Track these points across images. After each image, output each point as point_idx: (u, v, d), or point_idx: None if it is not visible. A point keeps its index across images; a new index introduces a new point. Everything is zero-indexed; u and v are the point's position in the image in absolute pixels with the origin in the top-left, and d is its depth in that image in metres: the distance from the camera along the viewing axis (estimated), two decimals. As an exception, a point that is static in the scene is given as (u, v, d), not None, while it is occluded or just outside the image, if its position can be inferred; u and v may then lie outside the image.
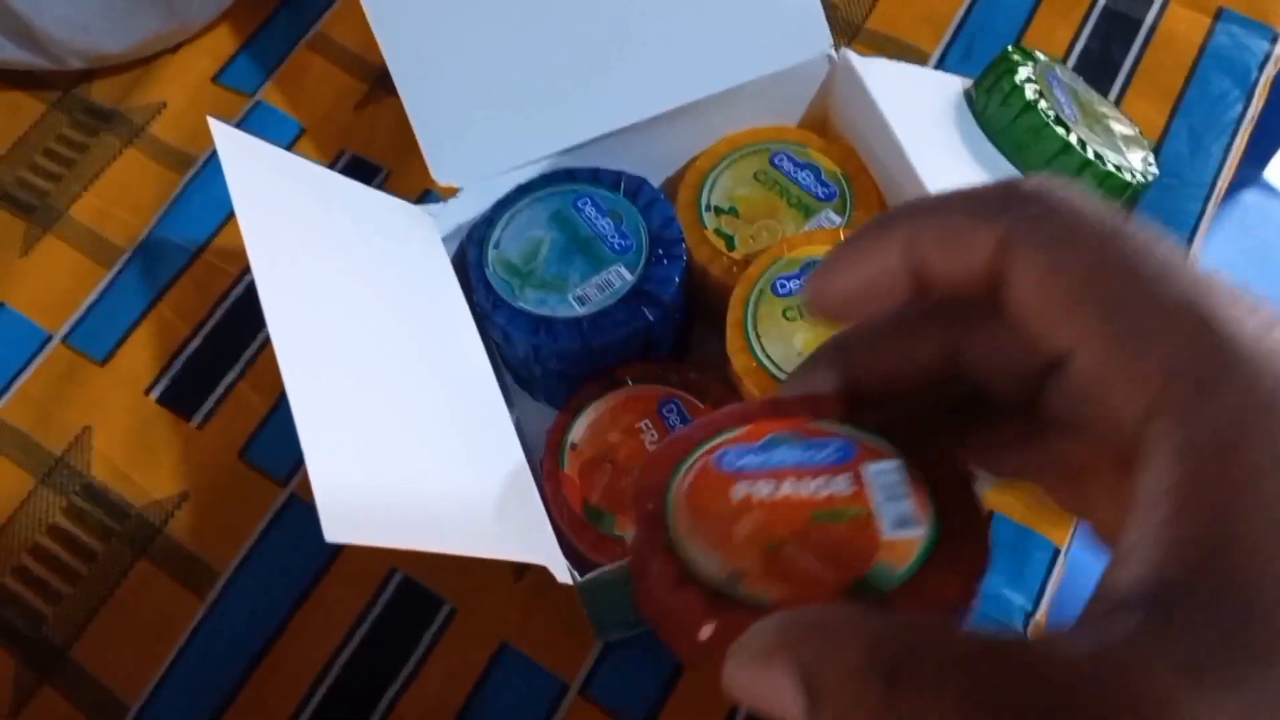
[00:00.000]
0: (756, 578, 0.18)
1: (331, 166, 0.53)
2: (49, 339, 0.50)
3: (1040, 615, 0.41)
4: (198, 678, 0.42)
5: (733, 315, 0.40)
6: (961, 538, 0.18)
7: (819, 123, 0.48)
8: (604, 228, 0.42)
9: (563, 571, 0.33)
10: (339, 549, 0.44)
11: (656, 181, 0.46)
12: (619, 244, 0.41)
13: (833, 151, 0.45)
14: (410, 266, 0.41)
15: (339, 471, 0.28)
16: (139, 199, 0.53)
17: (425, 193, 0.50)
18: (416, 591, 0.43)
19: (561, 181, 0.43)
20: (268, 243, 0.32)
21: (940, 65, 0.54)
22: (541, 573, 0.33)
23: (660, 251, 0.41)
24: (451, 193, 0.43)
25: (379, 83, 0.55)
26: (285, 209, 0.36)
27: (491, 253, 0.42)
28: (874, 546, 0.18)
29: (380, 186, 0.52)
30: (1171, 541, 0.15)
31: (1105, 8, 0.55)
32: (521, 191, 0.43)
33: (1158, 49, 0.54)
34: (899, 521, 0.18)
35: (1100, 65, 0.53)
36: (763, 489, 0.19)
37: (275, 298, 0.31)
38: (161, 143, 0.54)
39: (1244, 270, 1.21)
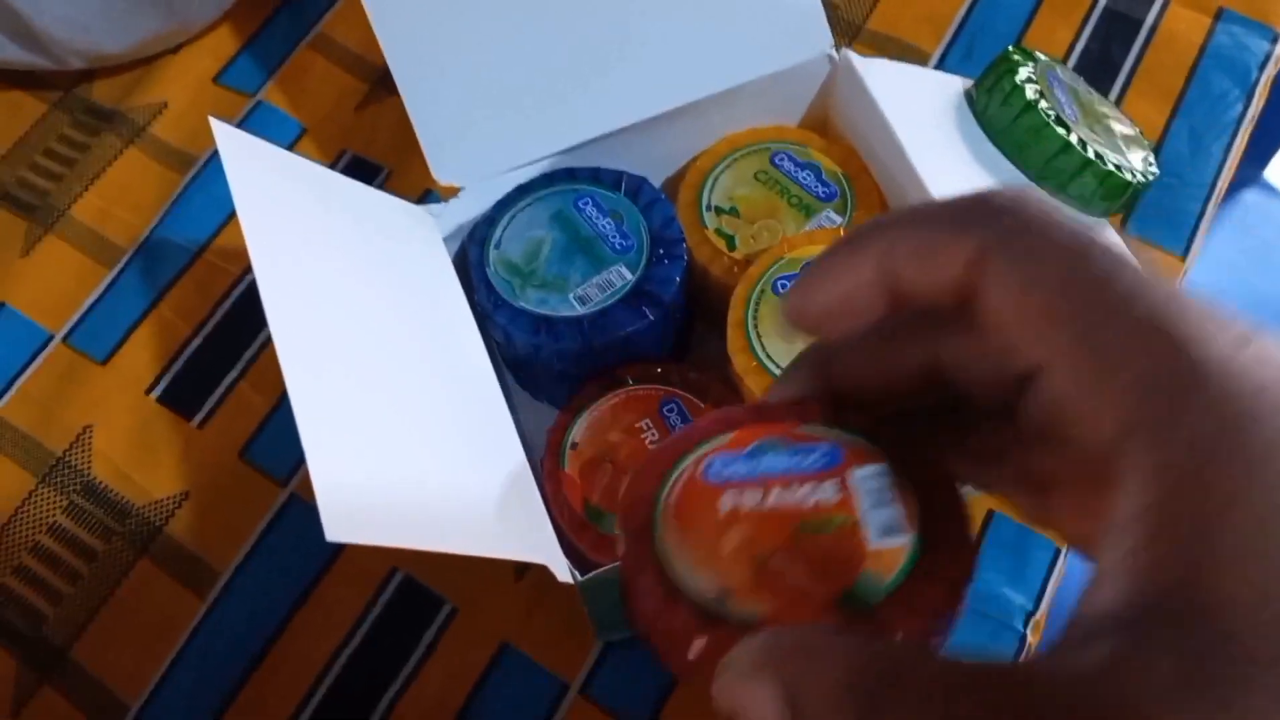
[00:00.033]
0: (745, 594, 0.18)
1: (333, 166, 0.53)
2: (50, 339, 0.50)
3: (1040, 615, 0.41)
4: (198, 677, 0.42)
5: (733, 315, 0.40)
6: (947, 544, 0.18)
7: (820, 123, 0.48)
8: (605, 227, 0.42)
9: (563, 571, 0.33)
10: (339, 548, 0.44)
11: (657, 181, 0.46)
12: (620, 244, 0.41)
13: (833, 151, 0.45)
14: (411, 266, 0.41)
15: (340, 471, 0.28)
16: (140, 199, 0.53)
17: (426, 192, 0.50)
18: (417, 591, 0.43)
19: (562, 181, 0.43)
20: (269, 242, 0.32)
21: (941, 65, 0.54)
22: (542, 572, 0.33)
23: (661, 251, 0.41)
24: (452, 192, 0.43)
25: (380, 83, 0.55)
26: (286, 209, 0.36)
27: (492, 252, 0.42)
28: (861, 556, 0.18)
29: (381, 186, 0.52)
30: (1146, 566, 0.15)
31: (1106, 8, 0.55)
32: (522, 191, 0.43)
33: (1158, 49, 0.54)
34: (885, 529, 0.19)
35: (1101, 65, 0.53)
36: (750, 499, 0.19)
37: (277, 297, 0.31)
38: (163, 143, 0.54)
39: (1244, 270, 1.21)
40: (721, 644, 0.17)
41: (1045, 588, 0.42)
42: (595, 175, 0.43)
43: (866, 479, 0.19)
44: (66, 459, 0.47)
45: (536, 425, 0.42)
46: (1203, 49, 0.53)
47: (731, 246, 0.43)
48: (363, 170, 0.53)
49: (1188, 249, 0.49)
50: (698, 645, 0.18)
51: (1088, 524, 0.19)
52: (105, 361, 0.49)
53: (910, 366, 0.20)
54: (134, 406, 0.48)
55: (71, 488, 0.46)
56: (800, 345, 0.22)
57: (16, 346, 0.50)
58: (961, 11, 0.55)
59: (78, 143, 0.55)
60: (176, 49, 0.56)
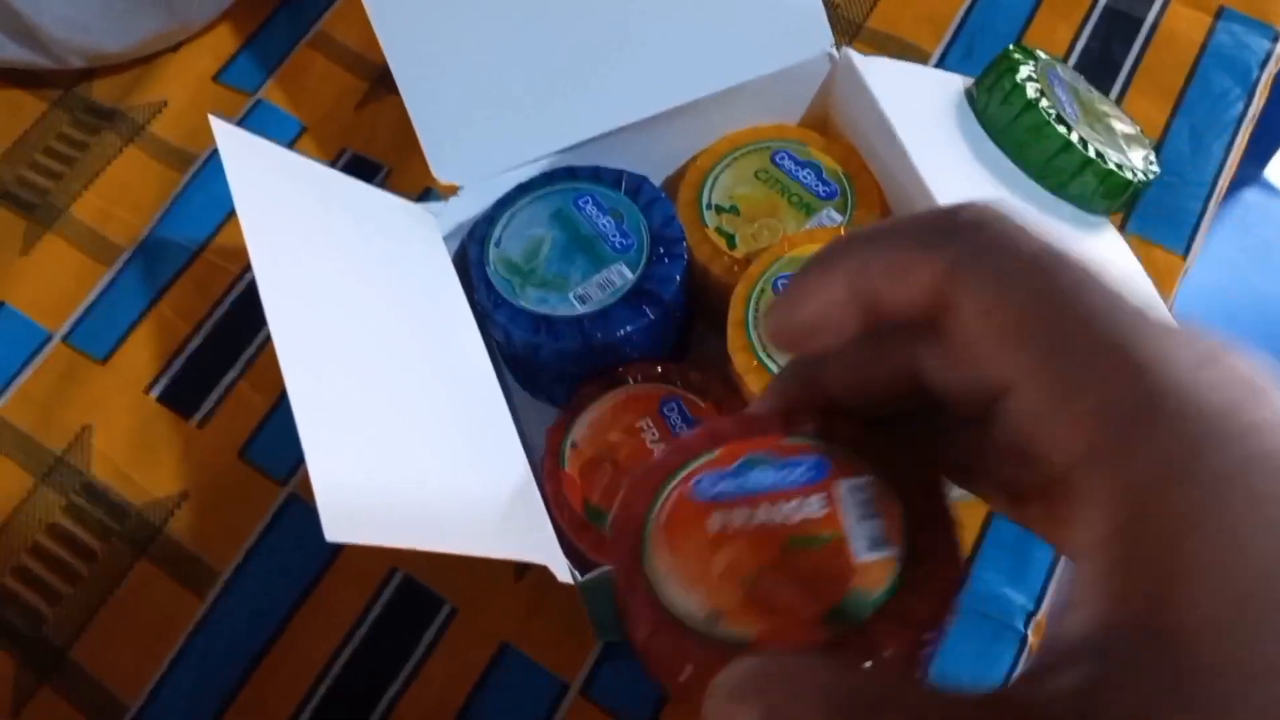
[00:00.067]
0: (734, 615, 0.18)
1: (332, 165, 0.53)
2: (49, 338, 0.50)
3: (1041, 615, 0.41)
4: (198, 678, 0.42)
5: (734, 314, 0.40)
6: (935, 554, 0.19)
7: (820, 121, 0.48)
8: (605, 226, 0.42)
9: (563, 571, 0.33)
10: (339, 548, 0.44)
11: (657, 180, 0.46)
12: (620, 243, 0.41)
13: (834, 150, 0.45)
14: (411, 265, 0.41)
15: (339, 471, 0.28)
16: (140, 198, 0.53)
17: (426, 191, 0.50)
18: (417, 591, 0.43)
19: (562, 180, 0.43)
20: (269, 241, 0.32)
21: (941, 64, 0.54)
22: (542, 572, 0.33)
23: (661, 250, 0.41)
24: (452, 191, 0.43)
25: (380, 81, 0.55)
26: (286, 208, 0.36)
27: (492, 251, 0.42)
28: (848, 572, 0.18)
29: (381, 185, 0.52)
30: (1113, 591, 0.15)
31: (1106, 6, 0.55)
32: (522, 190, 0.43)
33: (1159, 48, 0.54)
34: (872, 542, 0.19)
35: (1101, 64, 0.53)
36: (738, 517, 0.19)
37: (276, 296, 0.31)
38: (162, 141, 0.54)
39: (1244, 269, 1.21)
40: (712, 666, 0.17)
41: (1046, 588, 0.42)
42: (595, 174, 0.43)
43: (853, 491, 0.19)
44: (66, 459, 0.47)
45: (536, 425, 0.42)
46: (1203, 47, 0.53)
47: (732, 245, 0.43)
48: (362, 169, 0.53)
49: (1188, 248, 0.49)
50: (688, 670, 0.18)
51: (1061, 532, 0.19)
52: (105, 361, 0.49)
53: (891, 374, 0.20)
54: (133, 406, 0.48)
55: (71, 488, 0.46)
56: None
57: (16, 346, 0.49)
58: (962, 10, 0.55)
59: (77, 141, 0.55)
60: (176, 48, 0.56)
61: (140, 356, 0.49)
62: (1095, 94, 0.48)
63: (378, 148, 0.53)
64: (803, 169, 0.44)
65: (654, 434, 0.40)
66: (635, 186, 0.43)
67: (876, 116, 0.42)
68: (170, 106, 0.55)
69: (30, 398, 0.48)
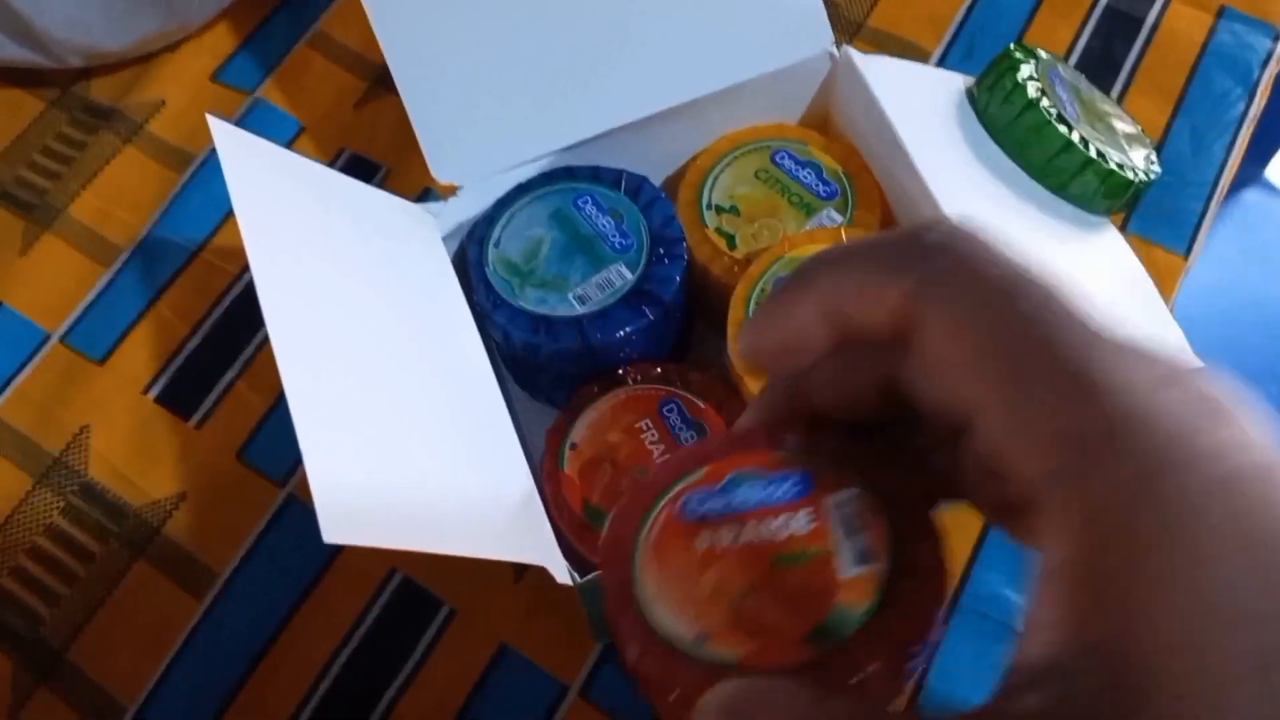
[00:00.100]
0: (721, 637, 0.18)
1: (331, 165, 0.53)
2: (47, 338, 0.50)
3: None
4: (196, 679, 0.42)
5: (734, 314, 0.40)
6: (919, 569, 0.19)
7: (820, 121, 0.48)
8: (604, 226, 0.42)
9: (562, 573, 0.33)
10: (338, 550, 0.44)
11: (657, 180, 0.46)
12: (619, 243, 0.41)
13: (834, 150, 0.44)
14: (410, 266, 0.41)
15: (338, 472, 0.28)
16: (138, 198, 0.53)
17: (425, 191, 0.50)
18: (416, 592, 0.43)
19: (562, 180, 0.43)
20: (267, 242, 0.32)
21: (942, 63, 0.54)
22: (541, 574, 0.32)
23: (661, 250, 0.41)
24: (451, 191, 0.43)
25: (379, 81, 0.55)
26: (285, 208, 0.36)
27: (492, 251, 0.42)
28: (833, 588, 0.18)
29: (380, 185, 0.52)
30: (1071, 617, 0.15)
31: (1107, 6, 0.55)
32: (522, 190, 0.43)
33: (1160, 47, 0.53)
34: (858, 557, 0.19)
35: (1102, 63, 0.53)
36: (725, 536, 0.20)
37: (274, 297, 0.30)
38: (161, 141, 0.54)
39: (1244, 270, 1.21)
40: (700, 686, 0.17)
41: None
42: (595, 174, 0.43)
43: (838, 506, 0.20)
44: (64, 459, 0.47)
45: (536, 426, 0.42)
46: (1204, 47, 0.53)
47: (732, 245, 0.43)
48: (362, 169, 0.53)
49: (1189, 248, 0.49)
50: (677, 690, 0.18)
51: (1035, 543, 0.20)
52: (103, 361, 0.49)
53: (873, 388, 0.21)
54: (132, 407, 0.48)
55: (69, 488, 0.46)
56: None
57: (14, 346, 0.49)
58: (962, 9, 0.55)
59: (76, 141, 0.54)
60: (175, 47, 0.56)
61: (138, 357, 0.49)
62: (1096, 93, 0.48)
63: (377, 147, 0.53)
64: (803, 169, 0.44)
65: (653, 435, 0.40)
66: (635, 186, 0.43)
67: (877, 116, 0.41)
68: (169, 106, 0.55)
69: (28, 398, 0.48)
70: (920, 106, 0.44)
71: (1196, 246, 0.49)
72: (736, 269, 0.42)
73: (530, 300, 0.40)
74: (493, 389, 0.40)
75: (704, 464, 0.21)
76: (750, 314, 0.39)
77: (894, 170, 0.42)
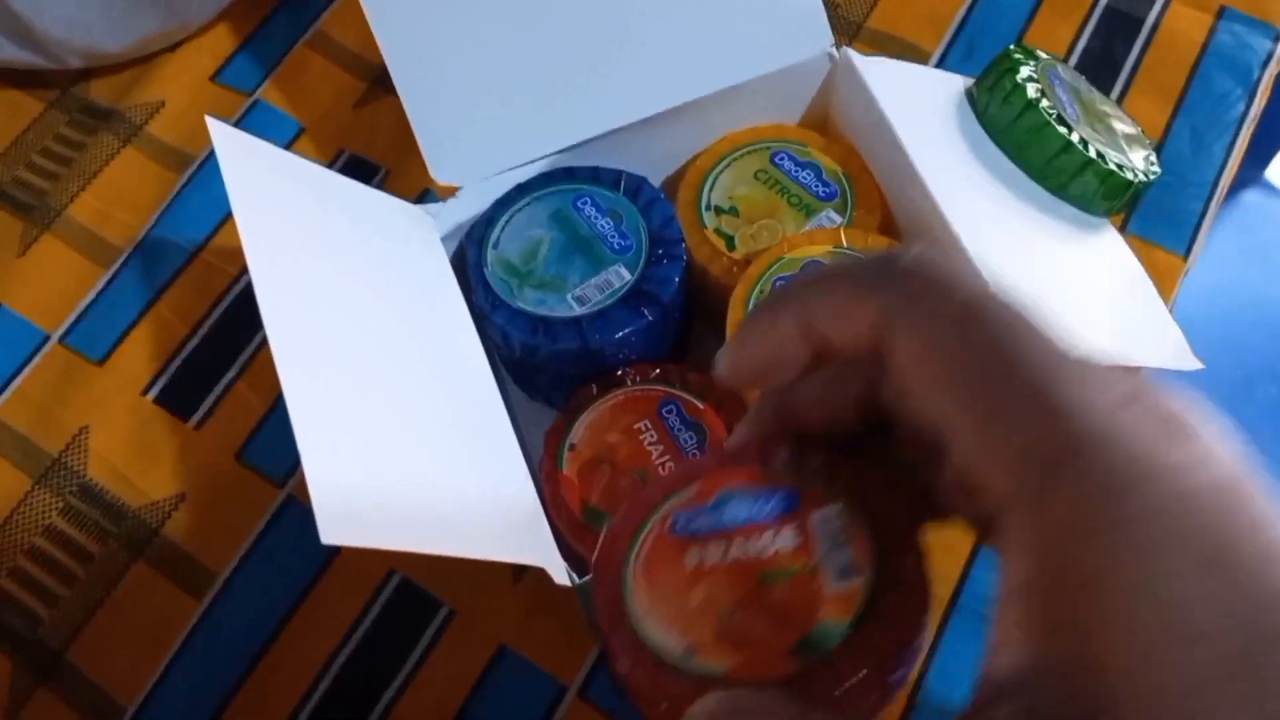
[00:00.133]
0: (708, 650, 0.19)
1: (331, 165, 0.53)
2: (46, 339, 0.50)
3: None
4: (195, 679, 0.42)
5: (733, 315, 0.40)
6: (902, 581, 0.19)
7: (820, 121, 0.48)
8: (604, 227, 0.42)
9: (561, 573, 0.33)
10: (337, 550, 0.44)
11: (657, 181, 0.46)
12: (619, 244, 0.41)
13: (834, 150, 0.44)
14: (409, 266, 0.41)
15: (336, 473, 0.28)
16: (137, 198, 0.53)
17: (424, 192, 0.50)
18: (415, 593, 0.43)
19: (561, 181, 0.43)
20: (265, 243, 0.32)
21: (941, 64, 0.54)
22: (540, 575, 0.32)
23: (660, 251, 0.41)
24: (450, 192, 0.43)
25: (378, 81, 0.55)
26: (283, 209, 0.35)
27: (490, 253, 0.42)
28: (817, 603, 0.19)
29: (379, 186, 0.52)
30: (1032, 634, 0.16)
31: (1107, 6, 0.55)
32: (521, 191, 0.43)
33: (1160, 48, 0.53)
34: (841, 572, 0.19)
35: (1102, 64, 0.53)
36: (714, 553, 0.20)
37: (272, 298, 0.30)
38: (160, 142, 0.54)
39: (1244, 270, 1.21)
40: (688, 699, 0.18)
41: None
42: (594, 175, 0.43)
43: (823, 522, 0.20)
44: (63, 460, 0.47)
45: (534, 426, 0.42)
46: (1204, 48, 0.53)
47: (731, 246, 0.43)
48: (361, 169, 0.53)
49: (1189, 249, 0.49)
50: (665, 703, 0.19)
51: (1002, 558, 0.20)
52: (102, 362, 0.49)
53: (853, 404, 0.21)
54: (131, 407, 0.48)
55: (68, 489, 0.46)
56: None
57: (13, 347, 0.49)
58: (962, 10, 0.55)
59: (75, 142, 0.54)
60: (174, 47, 0.56)
61: (138, 358, 0.49)
62: (1096, 94, 0.48)
63: (376, 148, 0.53)
64: (802, 169, 0.44)
65: (652, 436, 0.40)
66: (634, 187, 0.43)
67: (876, 117, 0.41)
68: (168, 107, 0.55)
69: (27, 399, 0.48)
70: (920, 107, 0.44)
71: (1196, 247, 0.49)
72: (735, 270, 0.42)
73: (529, 301, 0.40)
74: (491, 390, 0.40)
75: (694, 481, 0.22)
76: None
77: (893, 171, 0.42)
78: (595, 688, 0.41)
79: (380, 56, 0.41)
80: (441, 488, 0.33)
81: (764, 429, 0.23)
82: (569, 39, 0.43)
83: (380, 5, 0.41)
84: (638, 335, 0.40)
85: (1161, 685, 0.14)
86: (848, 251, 0.40)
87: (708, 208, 0.44)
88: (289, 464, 0.46)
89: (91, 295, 0.50)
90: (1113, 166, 0.42)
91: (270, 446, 0.46)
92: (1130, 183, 0.43)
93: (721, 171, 0.44)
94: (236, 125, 0.54)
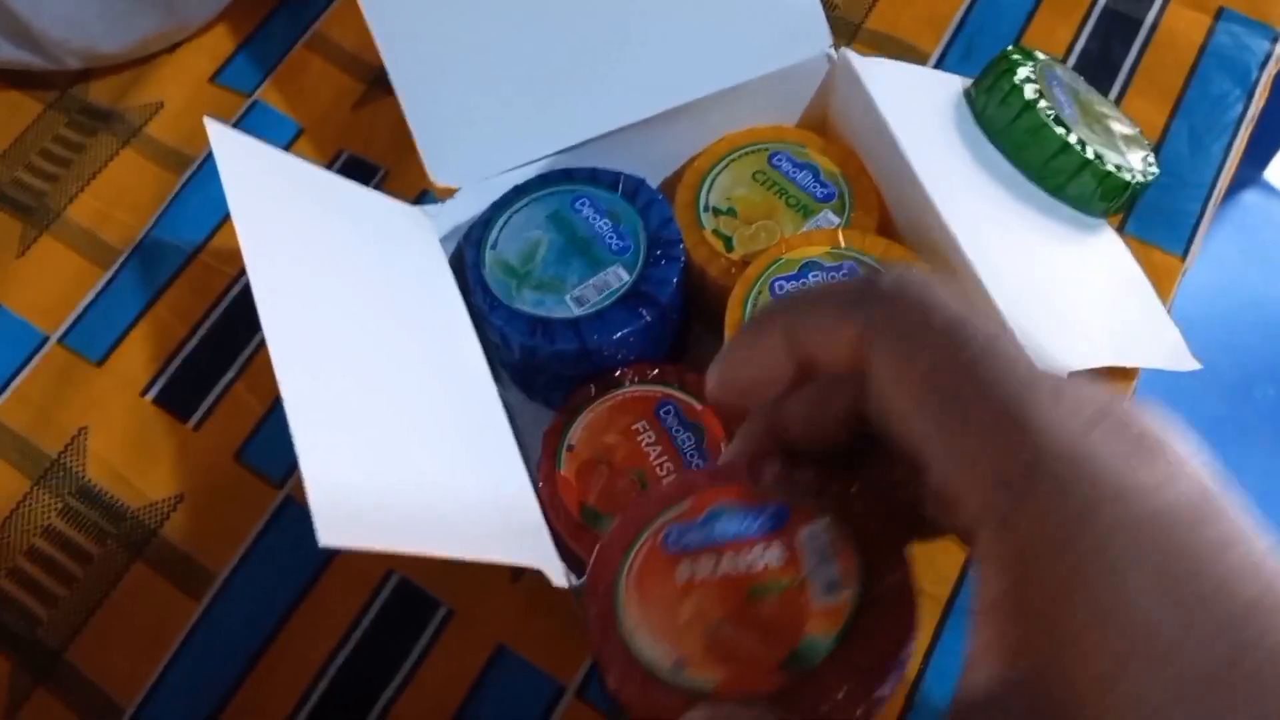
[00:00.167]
0: (697, 664, 0.19)
1: (330, 166, 0.53)
2: (45, 340, 0.50)
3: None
4: (194, 680, 0.42)
5: (731, 316, 0.40)
6: (888, 596, 0.19)
7: (818, 123, 0.48)
8: (602, 228, 0.42)
9: (559, 575, 0.33)
10: (335, 551, 0.44)
11: (655, 182, 0.46)
12: (617, 245, 0.41)
13: (832, 151, 0.44)
14: (407, 267, 0.41)
15: (334, 474, 0.28)
16: (136, 199, 0.53)
17: (423, 193, 0.50)
18: (413, 593, 0.43)
19: (559, 182, 0.43)
20: (263, 244, 0.32)
21: (940, 65, 0.54)
22: (539, 575, 0.32)
23: (658, 252, 0.41)
24: (449, 193, 0.43)
25: (377, 82, 0.55)
26: (281, 210, 0.36)
27: (489, 254, 0.42)
28: (804, 617, 0.19)
29: (378, 186, 0.52)
30: (1004, 651, 0.16)
31: (1105, 7, 0.55)
32: (519, 192, 0.43)
33: (1158, 49, 0.53)
34: (828, 588, 0.20)
35: (1100, 65, 0.53)
36: (704, 568, 0.21)
37: (270, 299, 0.30)
38: (159, 143, 0.54)
39: (1243, 271, 1.21)
40: (677, 712, 0.18)
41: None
42: (593, 176, 0.43)
43: (811, 537, 0.20)
44: (62, 461, 0.47)
45: (533, 427, 0.42)
46: (1203, 48, 0.53)
47: (729, 247, 0.43)
48: (360, 170, 0.53)
49: (1187, 249, 0.49)
50: (655, 717, 0.19)
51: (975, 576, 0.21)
52: (101, 363, 0.49)
53: (843, 419, 0.22)
54: (130, 408, 0.48)
55: (66, 490, 0.46)
56: None
57: (12, 348, 0.49)
58: (961, 11, 0.55)
59: (73, 143, 0.54)
60: (173, 48, 0.56)
61: (136, 358, 0.49)
62: (1094, 95, 0.48)
63: (375, 149, 0.53)
64: (800, 171, 0.44)
65: (650, 436, 0.40)
66: (632, 188, 0.43)
67: (874, 118, 0.41)
68: (167, 108, 0.55)
69: (26, 400, 0.48)
70: (918, 108, 0.44)
71: (1194, 247, 0.49)
72: (734, 270, 0.42)
73: (527, 302, 0.40)
74: (490, 390, 0.40)
75: (686, 497, 0.22)
76: (747, 316, 0.40)
77: (892, 172, 0.42)
78: (593, 688, 0.41)
79: (379, 57, 0.42)
80: (440, 489, 0.33)
81: (755, 445, 0.23)
82: (567, 40, 0.43)
83: (379, 7, 0.41)
84: (636, 336, 0.40)
85: (1130, 702, 0.14)
86: (846, 252, 0.40)
87: (706, 209, 0.44)
88: (287, 465, 0.46)
89: (90, 296, 0.50)
90: (1110, 167, 0.42)
91: (269, 447, 0.46)
92: (1128, 183, 0.43)
93: (720, 172, 0.44)
94: (235, 126, 0.54)
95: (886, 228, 0.44)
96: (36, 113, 0.55)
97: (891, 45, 0.54)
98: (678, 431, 0.40)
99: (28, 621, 0.43)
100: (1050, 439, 0.16)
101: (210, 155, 0.53)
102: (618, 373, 0.41)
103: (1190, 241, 0.49)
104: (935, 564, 0.41)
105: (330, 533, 0.25)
